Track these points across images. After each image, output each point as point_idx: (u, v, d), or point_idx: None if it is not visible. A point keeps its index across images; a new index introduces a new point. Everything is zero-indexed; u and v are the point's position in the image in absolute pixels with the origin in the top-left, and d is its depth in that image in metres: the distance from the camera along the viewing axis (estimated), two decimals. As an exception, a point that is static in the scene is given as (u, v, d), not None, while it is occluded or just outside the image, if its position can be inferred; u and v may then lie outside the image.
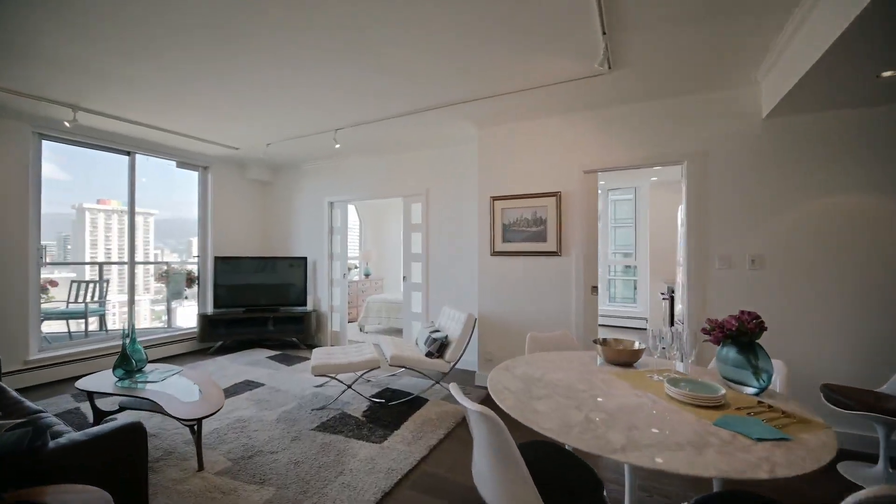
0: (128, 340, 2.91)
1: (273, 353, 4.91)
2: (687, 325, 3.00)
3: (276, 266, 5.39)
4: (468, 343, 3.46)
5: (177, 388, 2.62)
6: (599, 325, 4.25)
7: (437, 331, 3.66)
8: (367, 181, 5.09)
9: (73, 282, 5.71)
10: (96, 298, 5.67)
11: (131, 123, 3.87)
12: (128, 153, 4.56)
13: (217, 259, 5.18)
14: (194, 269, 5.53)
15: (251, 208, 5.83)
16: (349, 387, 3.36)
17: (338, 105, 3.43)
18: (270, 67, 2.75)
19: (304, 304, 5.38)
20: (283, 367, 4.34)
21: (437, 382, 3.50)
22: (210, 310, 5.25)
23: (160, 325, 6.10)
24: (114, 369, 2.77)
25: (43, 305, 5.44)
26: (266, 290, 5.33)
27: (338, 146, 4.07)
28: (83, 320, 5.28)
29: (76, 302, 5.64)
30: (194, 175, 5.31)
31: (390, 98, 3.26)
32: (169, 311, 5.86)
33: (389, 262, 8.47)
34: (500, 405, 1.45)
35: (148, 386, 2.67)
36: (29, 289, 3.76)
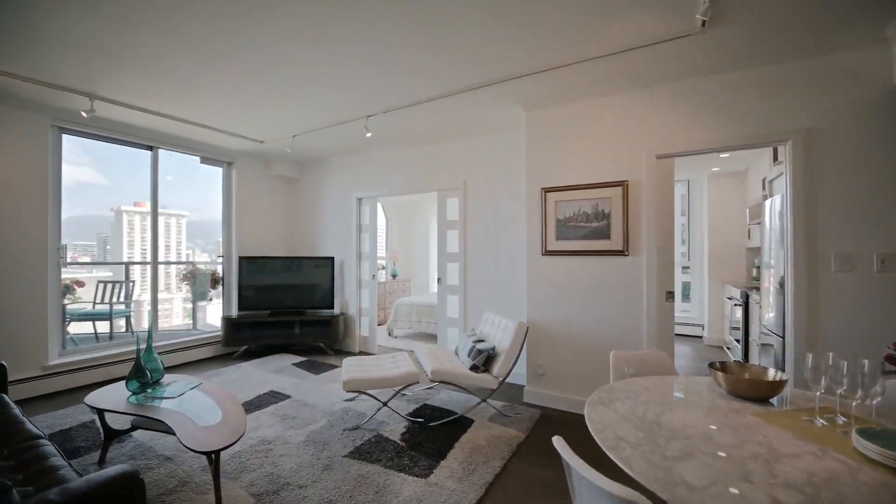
0: (143, 348, 2.61)
1: (299, 359, 4.60)
2: (794, 338, 2.47)
3: (302, 266, 5.09)
4: (518, 356, 3.02)
5: (194, 407, 2.29)
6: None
7: (482, 340, 3.23)
8: (398, 175, 4.71)
9: (99, 282, 5.59)
10: (122, 299, 5.54)
11: (151, 114, 3.62)
12: (150, 148, 4.34)
13: (242, 259, 4.92)
14: (219, 269, 5.31)
15: (276, 206, 5.56)
16: (384, 404, 2.98)
17: (371, 86, 3.05)
18: (298, 42, 2.39)
19: (331, 306, 5.06)
20: (311, 375, 4.01)
21: (484, 400, 3.07)
22: (234, 312, 5.00)
23: (190, 323, 5.93)
24: (127, 381, 2.47)
25: (69, 306, 5.36)
26: (292, 292, 5.04)
27: (369, 135, 3.71)
28: (108, 322, 5.13)
29: (102, 302, 5.52)
30: (219, 173, 5.07)
31: (430, 76, 2.86)
32: (194, 313, 5.67)
33: (417, 262, 8.10)
34: (627, 470, 1.01)
35: (163, 403, 2.36)
36: (48, 290, 3.56)
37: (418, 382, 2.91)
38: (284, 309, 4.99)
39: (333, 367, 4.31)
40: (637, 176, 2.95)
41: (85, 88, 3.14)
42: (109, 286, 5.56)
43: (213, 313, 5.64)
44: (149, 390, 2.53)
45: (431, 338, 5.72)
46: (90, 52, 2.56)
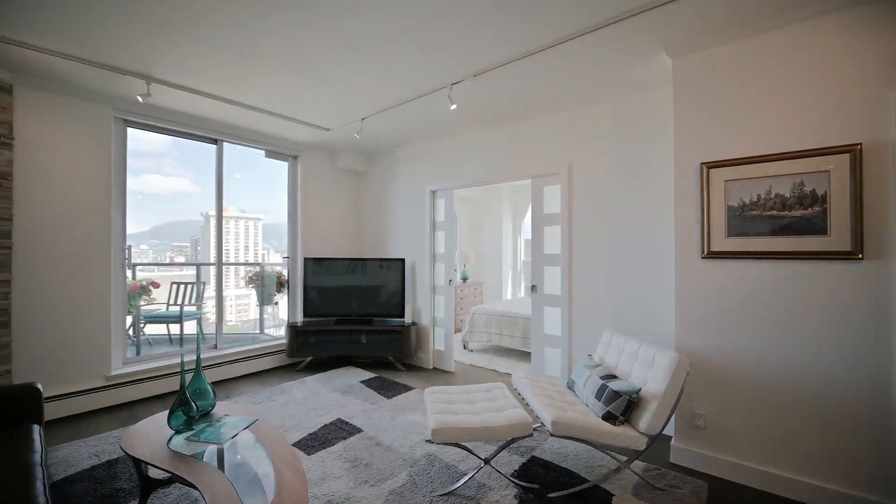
0: (192, 370, 2.11)
1: (367, 375, 4.02)
2: None
3: (370, 269, 4.53)
4: (676, 404, 2.10)
5: (244, 468, 1.69)
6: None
7: (613, 376, 2.35)
8: (480, 162, 3.95)
9: (172, 283, 5.51)
10: (193, 301, 5.40)
11: (211, 98, 3.20)
12: (214, 141, 4.01)
13: (307, 260, 4.47)
14: (285, 271, 4.93)
15: (342, 202, 5.07)
16: (486, 462, 2.21)
17: (458, 39, 2.32)
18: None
19: (401, 315, 4.43)
20: (382, 399, 3.39)
21: (626, 467, 2.18)
22: (300, 318, 4.57)
23: (266, 322, 5.69)
24: (170, 416, 1.96)
25: (144, 307, 5.32)
26: (359, 298, 4.50)
27: (454, 107, 2.98)
28: (179, 324, 4.97)
29: (175, 304, 5.43)
30: (285, 169, 4.67)
31: (535, 17, 2.07)
32: (261, 317, 5.39)
33: (488, 264, 7.30)
34: None
35: (209, 450, 1.81)
36: (112, 295, 3.28)
37: (531, 435, 2.11)
38: (351, 316, 4.46)
39: (407, 387, 3.66)
40: (880, 135, 1.89)
41: (140, 69, 2.77)
42: (182, 287, 5.46)
43: (284, 314, 5.33)
44: (196, 427, 2.01)
45: (514, 354, 4.89)
46: (143, 24, 2.17)
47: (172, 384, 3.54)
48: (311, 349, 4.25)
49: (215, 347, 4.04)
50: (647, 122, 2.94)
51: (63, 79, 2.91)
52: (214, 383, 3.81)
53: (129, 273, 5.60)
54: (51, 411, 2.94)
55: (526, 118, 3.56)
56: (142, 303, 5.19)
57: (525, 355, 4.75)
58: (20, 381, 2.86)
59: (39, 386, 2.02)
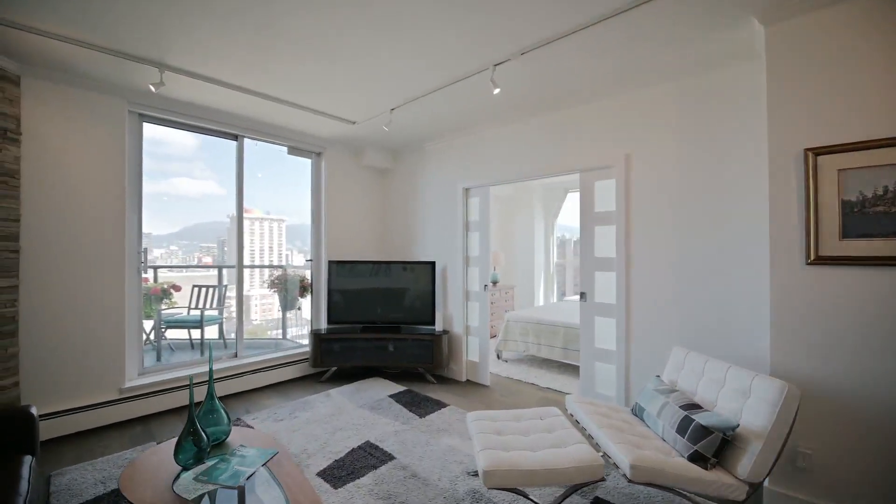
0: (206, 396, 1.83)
1: (396, 388, 3.71)
2: None
3: (398, 273, 4.22)
4: (784, 445, 1.69)
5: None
6: None
7: (696, 406, 1.96)
8: (521, 155, 3.58)
9: (193, 286, 5.35)
10: (215, 304, 5.23)
11: (228, 88, 2.95)
12: (235, 137, 3.78)
13: (331, 263, 4.20)
14: (307, 274, 4.69)
15: (367, 202, 4.79)
16: (548, 509, 1.86)
17: (507, 8, 1.97)
18: None
19: (432, 322, 4.10)
20: (414, 418, 3.07)
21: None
22: (324, 325, 4.31)
23: (289, 321, 5.47)
24: (177, 448, 1.68)
25: (164, 311, 5.17)
26: (386, 303, 4.20)
27: (497, 91, 2.63)
28: (199, 329, 4.79)
29: (196, 308, 5.27)
30: (308, 168, 4.42)
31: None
32: (283, 323, 5.16)
33: (520, 266, 6.91)
34: None
35: (219, 493, 1.52)
36: (125, 301, 3.07)
37: (604, 480, 1.74)
38: (378, 324, 4.16)
39: (440, 403, 3.33)
40: None
41: (153, 56, 2.53)
42: (203, 290, 5.29)
43: (307, 314, 5.09)
44: (207, 460, 1.72)
45: (553, 365, 4.50)
46: (156, 4, 1.93)
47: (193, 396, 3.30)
48: (335, 358, 3.97)
49: (235, 356, 3.80)
50: (726, 103, 2.52)
51: (73, 69, 2.70)
52: (234, 395, 3.57)
53: (150, 275, 5.51)
54: (60, 427, 2.74)
55: (575, 104, 3.18)
56: (163, 306, 5.05)
57: (566, 368, 4.35)
58: (28, 394, 2.66)
59: (34, 410, 1.77)
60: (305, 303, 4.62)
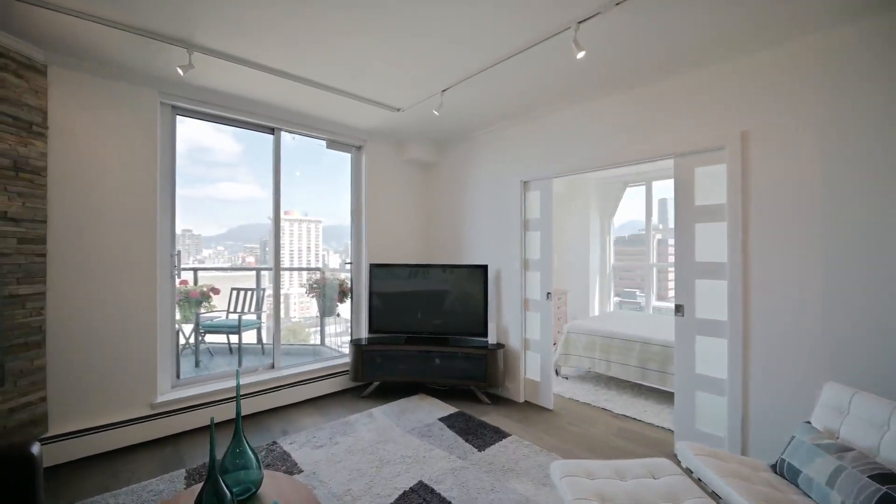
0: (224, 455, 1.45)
1: (447, 409, 3.27)
2: None
3: (446, 277, 3.78)
4: None
5: None
6: None
7: (890, 475, 1.36)
8: (595, 140, 3.03)
9: (232, 289, 5.18)
10: (253, 308, 5.02)
11: (264, 71, 2.62)
12: (271, 130, 3.49)
13: (373, 267, 3.83)
14: (344, 276, 4.36)
15: (410, 199, 4.39)
16: None
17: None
18: None
19: (483, 333, 3.63)
20: (472, 451, 2.60)
21: None
22: (364, 333, 3.94)
23: (325, 320, 5.19)
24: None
25: (203, 315, 5.01)
26: (432, 312, 3.77)
27: (581, 55, 2.11)
28: (238, 335, 4.58)
29: (234, 311, 5.09)
30: (347, 163, 4.08)
31: None
32: (322, 330, 4.87)
33: (573, 270, 6.29)
34: None
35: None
36: (157, 309, 2.82)
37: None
38: (423, 334, 3.74)
39: (500, 433, 2.85)
40: None
41: (181, 34, 2.23)
42: (242, 294, 5.11)
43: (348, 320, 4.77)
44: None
45: (624, 386, 3.89)
46: None
47: (226, 411, 3.02)
48: (377, 372, 3.59)
49: (272, 367, 3.50)
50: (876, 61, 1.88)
51: (100, 55, 2.45)
52: (271, 412, 3.26)
53: (190, 277, 5.40)
54: (85, 447, 2.50)
55: (675, 72, 2.59)
56: (202, 310, 4.90)
57: (641, 389, 3.74)
58: (55, 410, 2.44)
59: (35, 450, 1.46)
60: (345, 308, 4.29)
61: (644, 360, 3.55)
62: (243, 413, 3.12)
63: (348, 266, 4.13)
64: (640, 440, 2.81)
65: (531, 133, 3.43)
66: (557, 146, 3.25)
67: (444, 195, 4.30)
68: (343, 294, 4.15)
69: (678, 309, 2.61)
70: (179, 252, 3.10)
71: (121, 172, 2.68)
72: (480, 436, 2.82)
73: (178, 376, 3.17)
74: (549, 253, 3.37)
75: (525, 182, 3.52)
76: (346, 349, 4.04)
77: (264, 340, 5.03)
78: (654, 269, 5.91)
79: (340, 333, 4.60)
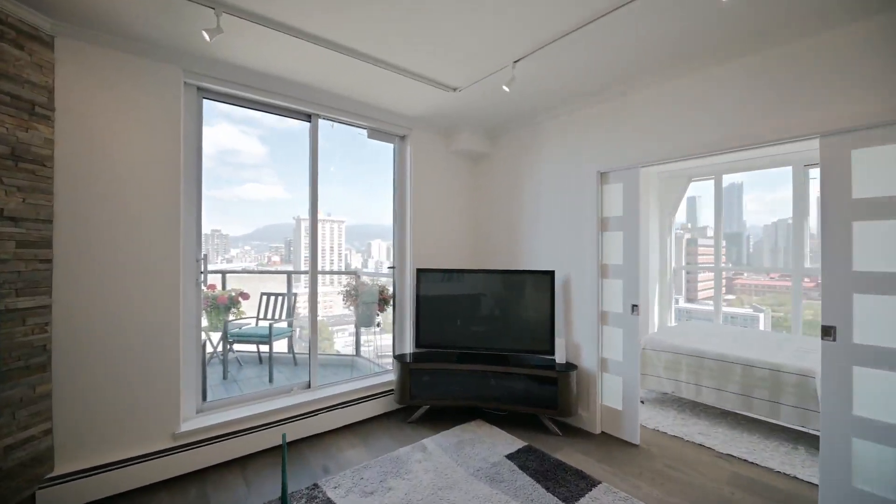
0: None
1: (512, 441, 2.76)
2: None
3: (504, 285, 3.28)
4: None
5: None
6: None
7: None
8: (697, 120, 2.46)
9: (262, 294, 4.82)
10: (284, 316, 4.65)
11: (301, 38, 2.17)
12: (308, 117, 3.06)
13: (420, 273, 3.35)
14: (381, 281, 3.91)
15: (458, 195, 3.90)
16: None
17: None
18: None
19: (549, 350, 3.10)
20: (553, 501, 2.09)
21: None
22: (409, 348, 3.48)
23: (367, 349, 4.78)
24: None
25: (232, 322, 4.67)
26: (488, 325, 3.27)
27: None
28: (268, 345, 4.19)
29: (265, 318, 4.72)
30: (386, 158, 3.63)
31: None
32: (357, 341, 4.44)
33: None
34: None
35: None
36: (181, 321, 2.42)
37: None
38: (479, 350, 3.24)
39: (585, 479, 2.32)
40: None
41: (207, -11, 1.80)
42: (272, 299, 4.74)
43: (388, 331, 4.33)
44: None
45: (714, 413, 3.29)
46: None
47: (258, 441, 2.61)
48: (426, 393, 3.11)
49: (308, 387, 3.08)
50: None
51: (117, 24, 2.06)
52: (308, 440, 2.83)
53: (217, 280, 5.08)
54: (96, 488, 2.11)
55: (816, 32, 2.01)
56: (230, 316, 4.55)
57: (743, 421, 3.13)
58: (62, 445, 2.06)
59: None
60: (386, 317, 3.84)
61: (748, 386, 2.94)
62: (271, 445, 2.69)
63: (391, 270, 3.67)
64: (764, 494, 2.23)
65: (613, 114, 2.88)
66: (648, 129, 2.69)
67: (497, 190, 3.79)
68: (384, 302, 3.70)
69: (827, 332, 2.02)
70: (206, 255, 2.71)
71: (140, 164, 2.29)
72: (562, 481, 2.29)
73: (203, 397, 2.78)
74: (636, 257, 2.81)
75: (603, 173, 2.97)
76: (386, 362, 3.59)
77: (296, 350, 4.64)
78: (723, 274, 5.23)
79: (380, 345, 4.16)
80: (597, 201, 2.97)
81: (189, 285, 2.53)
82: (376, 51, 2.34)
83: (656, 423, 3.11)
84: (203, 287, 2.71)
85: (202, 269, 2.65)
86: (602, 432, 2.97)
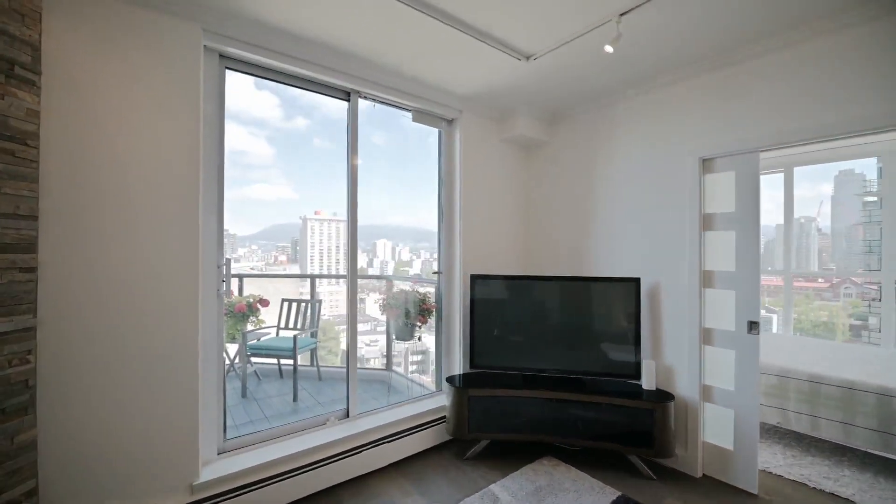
0: None
1: (599, 488, 2.25)
2: None
3: (578, 295, 2.76)
4: None
5: None
6: None
7: None
8: (854, 87, 1.93)
9: (283, 300, 4.36)
10: (306, 325, 4.18)
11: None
12: (346, 95, 2.57)
13: (475, 279, 2.85)
14: (417, 289, 3.40)
15: (510, 189, 3.39)
16: None
17: None
18: None
19: (634, 374, 2.58)
20: None
21: None
22: (459, 368, 2.98)
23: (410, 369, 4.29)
24: None
25: (251, 332, 4.19)
26: (558, 342, 2.76)
27: None
28: (292, 360, 3.71)
29: (286, 328, 4.26)
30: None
31: None
32: (388, 354, 3.95)
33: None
34: None
35: None
36: (200, 344, 1.94)
37: None
38: (548, 374, 2.73)
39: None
40: None
41: None
42: (294, 306, 4.28)
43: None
44: None
45: (828, 449, 2.74)
46: None
47: (292, 489, 2.12)
48: (487, 424, 2.60)
49: (347, 416, 2.58)
50: None
51: (117, -42, 1.59)
52: (347, 484, 2.33)
53: (234, 288, 4.62)
54: (98, 568, 1.64)
55: None
56: (248, 326, 4.08)
57: (876, 461, 2.57)
58: (50, 511, 1.58)
59: None
60: (428, 329, 3.34)
61: (887, 421, 2.40)
62: (306, 493, 2.20)
63: (437, 276, 3.17)
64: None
65: (723, 86, 2.35)
66: (775, 103, 2.16)
67: (557, 184, 3.27)
68: (425, 312, 3.20)
69: None
70: (229, 261, 2.23)
71: (149, 147, 1.82)
72: (686, 554, 1.77)
73: (224, 431, 2.30)
74: (754, 263, 2.28)
75: (706, 160, 2.45)
76: (422, 377, 3.09)
77: (320, 363, 4.17)
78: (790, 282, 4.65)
79: (419, 362, 3.67)
80: (697, 194, 2.45)
81: (209, 298, 2.06)
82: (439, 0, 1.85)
83: (763, 462, 2.57)
84: (224, 296, 2.23)
85: (223, 278, 2.17)
86: (704, 475, 2.44)
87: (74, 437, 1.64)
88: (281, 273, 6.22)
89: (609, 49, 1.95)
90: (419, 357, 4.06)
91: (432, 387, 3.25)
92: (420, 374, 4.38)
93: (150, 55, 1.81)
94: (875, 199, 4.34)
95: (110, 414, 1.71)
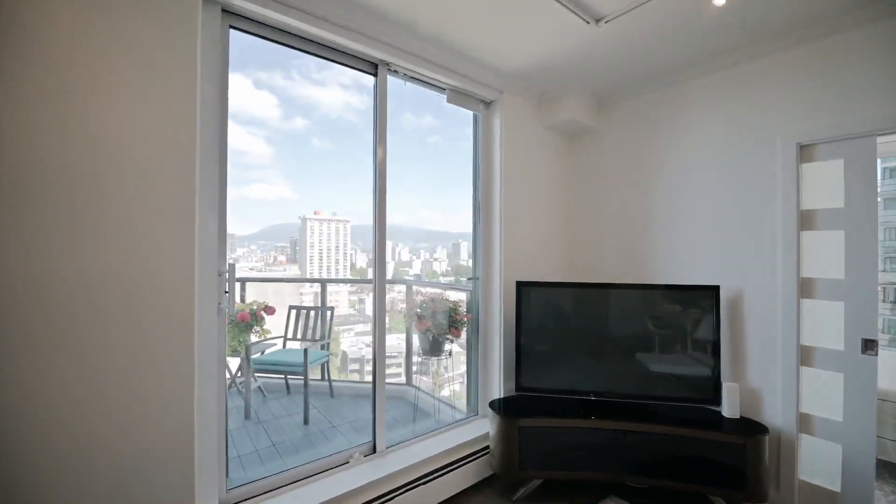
0: None
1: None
2: None
3: (642, 306, 2.36)
4: None
5: None
6: None
7: None
8: None
9: (291, 307, 3.94)
10: (317, 336, 3.77)
11: None
12: (374, 69, 2.16)
13: (521, 287, 2.44)
14: (448, 296, 3.00)
15: (555, 183, 2.99)
16: None
17: None
18: None
19: (713, 399, 2.18)
20: None
21: None
22: (500, 391, 2.58)
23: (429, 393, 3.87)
24: None
25: (255, 345, 3.76)
26: (620, 361, 2.35)
27: None
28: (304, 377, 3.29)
29: (294, 338, 3.84)
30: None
31: None
32: (408, 366, 3.53)
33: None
34: None
35: None
36: (196, 365, 1.53)
37: None
38: (609, 398, 2.32)
39: None
40: None
41: None
42: (303, 314, 3.87)
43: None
44: None
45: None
46: None
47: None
48: (540, 461, 2.19)
49: (374, 451, 2.17)
50: None
51: None
52: (381, 538, 1.92)
53: (237, 291, 4.19)
54: None
55: None
56: (253, 338, 3.65)
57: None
58: None
59: None
60: (460, 343, 2.92)
61: None
62: (340, 548, 1.79)
63: (471, 283, 2.76)
64: None
65: (828, 59, 1.96)
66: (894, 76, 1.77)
67: (609, 176, 2.87)
68: (456, 324, 2.79)
69: None
70: (233, 266, 1.81)
71: (132, 125, 1.40)
72: None
73: (227, 471, 1.88)
74: (871, 268, 1.88)
75: (804, 146, 2.05)
76: (460, 403, 2.68)
77: (332, 377, 3.75)
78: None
79: (448, 379, 3.26)
80: (794, 187, 2.05)
81: (207, 313, 1.64)
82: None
83: (868, 504, 2.18)
84: (227, 310, 1.81)
85: (226, 288, 1.76)
86: (803, 522, 2.05)
87: (33, 495, 1.22)
88: (290, 277, 5.78)
89: (718, 3, 1.54)
90: (446, 375, 3.65)
91: (464, 408, 2.85)
92: (439, 389, 3.97)
93: (134, 5, 1.39)
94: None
95: (80, 463, 1.29)
